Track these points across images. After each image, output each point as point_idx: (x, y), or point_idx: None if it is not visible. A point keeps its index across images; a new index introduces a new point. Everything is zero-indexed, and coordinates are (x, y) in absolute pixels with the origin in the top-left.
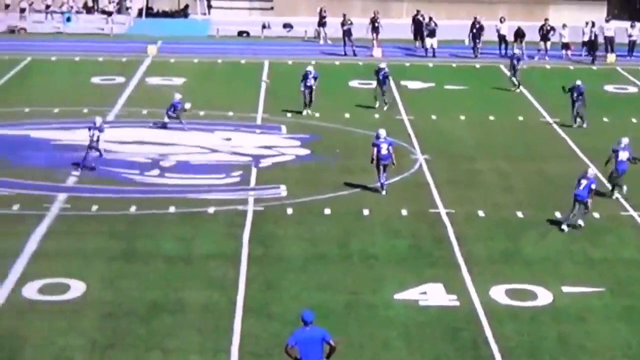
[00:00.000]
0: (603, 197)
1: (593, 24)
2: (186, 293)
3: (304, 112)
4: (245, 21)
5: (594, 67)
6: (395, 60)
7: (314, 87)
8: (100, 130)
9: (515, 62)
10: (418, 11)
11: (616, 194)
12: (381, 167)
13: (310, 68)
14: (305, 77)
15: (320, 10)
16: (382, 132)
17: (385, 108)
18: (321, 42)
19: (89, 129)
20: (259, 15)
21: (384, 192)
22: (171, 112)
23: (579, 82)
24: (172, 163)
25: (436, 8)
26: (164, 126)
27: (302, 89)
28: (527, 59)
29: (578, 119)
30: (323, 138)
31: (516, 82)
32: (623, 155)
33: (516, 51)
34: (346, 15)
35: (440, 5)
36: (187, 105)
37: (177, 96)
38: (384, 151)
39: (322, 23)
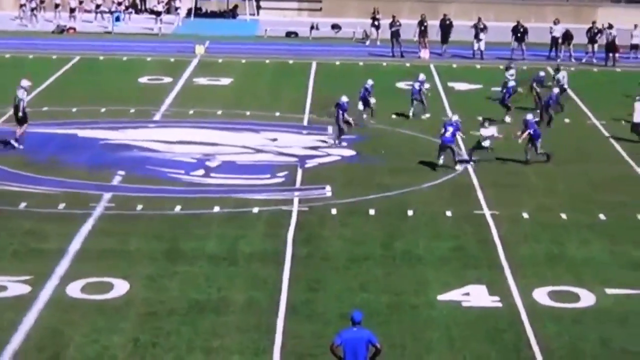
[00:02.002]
0: None
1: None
2: (229, 293)
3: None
4: (293, 22)
5: None
6: (442, 61)
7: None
8: (343, 108)
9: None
10: (445, 15)
11: None
12: (442, 149)
13: (422, 76)
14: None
15: (374, 11)
16: (454, 117)
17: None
18: (368, 42)
19: (335, 105)
20: (308, 16)
21: (440, 162)
22: (341, 117)
23: None
24: (218, 163)
25: (485, 10)
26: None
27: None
28: (574, 62)
29: None
30: (369, 139)
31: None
32: None
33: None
34: (395, 16)
35: (489, 7)
36: (373, 101)
37: (344, 98)
38: (447, 134)
39: (375, 24)
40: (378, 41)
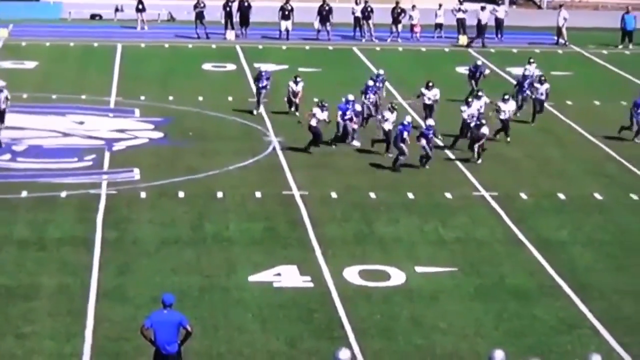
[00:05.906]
0: (455, 178)
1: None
2: (40, 278)
3: (255, 112)
4: (97, 4)
5: (446, 49)
6: (248, 42)
7: (267, 87)
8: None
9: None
10: None
11: None
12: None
13: (264, 68)
14: (258, 77)
15: None
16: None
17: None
18: (139, 28)
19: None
20: None
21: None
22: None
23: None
24: (24, 147)
25: None
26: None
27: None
28: (376, 41)
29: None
30: (176, 121)
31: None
32: None
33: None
34: None
35: None
36: (487, 72)
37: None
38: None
39: (139, 8)
40: (145, 26)
